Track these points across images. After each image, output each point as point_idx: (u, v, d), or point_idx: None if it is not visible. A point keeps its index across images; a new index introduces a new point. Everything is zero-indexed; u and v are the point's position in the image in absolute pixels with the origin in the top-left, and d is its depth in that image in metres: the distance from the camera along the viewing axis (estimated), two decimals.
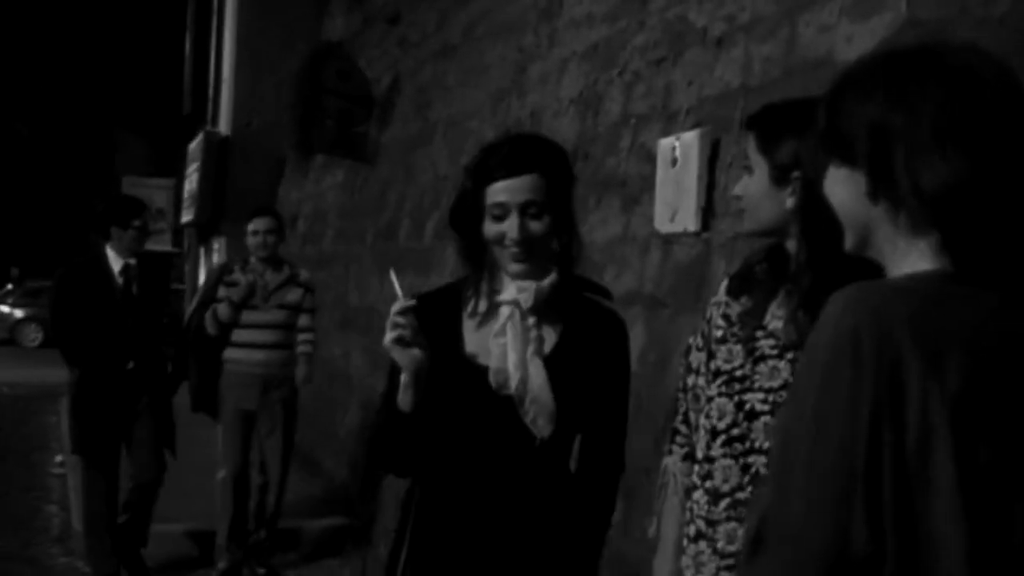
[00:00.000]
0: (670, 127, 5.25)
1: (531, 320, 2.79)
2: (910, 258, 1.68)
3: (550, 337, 2.84)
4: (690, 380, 2.80)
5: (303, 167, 14.79)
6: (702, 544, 2.64)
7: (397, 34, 11.52)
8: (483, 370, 2.78)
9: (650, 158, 5.37)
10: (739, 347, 2.63)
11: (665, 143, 5.05)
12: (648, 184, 5.27)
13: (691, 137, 4.77)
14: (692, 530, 2.68)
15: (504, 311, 2.80)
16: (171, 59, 20.20)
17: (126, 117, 29.59)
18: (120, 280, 6.91)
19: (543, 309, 2.81)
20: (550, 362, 2.78)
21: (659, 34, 5.56)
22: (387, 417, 2.81)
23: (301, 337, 7.49)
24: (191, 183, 17.44)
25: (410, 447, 2.82)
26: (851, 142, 1.69)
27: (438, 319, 2.85)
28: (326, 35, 15.28)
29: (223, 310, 7.20)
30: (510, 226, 2.72)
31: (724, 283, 2.79)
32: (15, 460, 12.22)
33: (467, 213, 2.81)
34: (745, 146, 2.66)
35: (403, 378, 2.69)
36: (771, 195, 2.58)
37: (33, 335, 28.48)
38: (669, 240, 5.07)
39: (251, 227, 7.38)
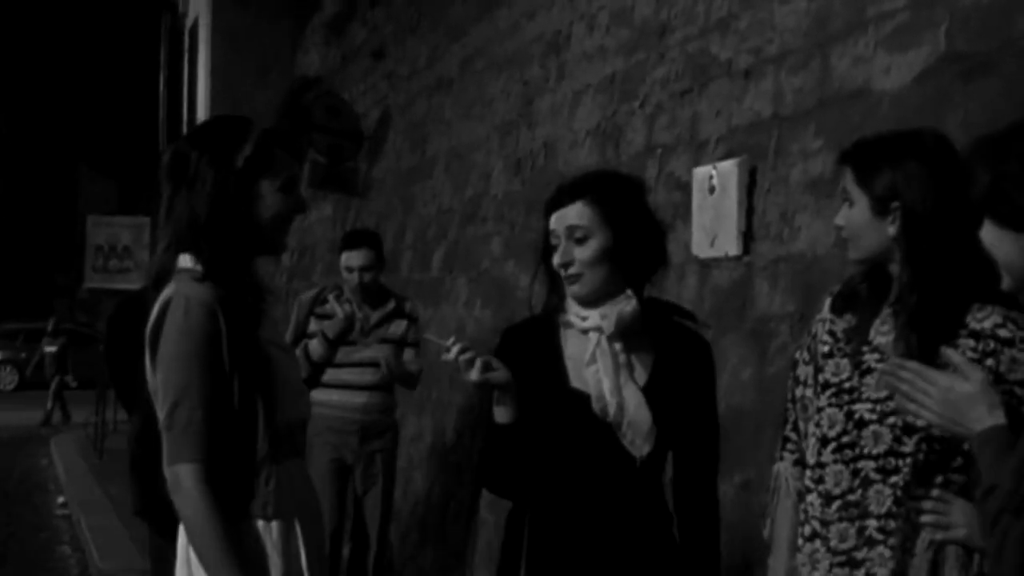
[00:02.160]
0: (700, 156, 5.48)
1: (618, 346, 2.98)
2: None
3: (644, 362, 3.04)
4: (798, 391, 3.00)
5: None
6: (817, 543, 2.84)
7: (383, 69, 11.72)
8: (586, 397, 2.96)
9: (679, 186, 5.60)
10: (846, 361, 2.84)
11: (701, 171, 5.28)
12: (680, 212, 5.49)
13: (728, 166, 5.01)
14: (807, 530, 2.87)
15: (592, 338, 2.99)
16: (144, 98, 20.30)
17: (91, 156, 29.53)
18: None
19: (632, 334, 3.01)
20: (647, 389, 2.98)
21: (681, 66, 5.80)
22: (491, 436, 2.98)
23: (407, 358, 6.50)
24: None
25: (517, 462, 2.99)
26: (1020, 210, 1.91)
27: (535, 349, 3.06)
28: (300, 70, 15.45)
29: (316, 347, 6.33)
30: (558, 252, 2.96)
31: (827, 301, 2.99)
32: (18, 503, 12.27)
33: (545, 245, 3.05)
34: (843, 181, 2.87)
35: (496, 396, 2.88)
36: (873, 225, 2.79)
37: (9, 378, 28.30)
38: (707, 264, 5.30)
39: (344, 261, 6.44)
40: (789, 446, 3.06)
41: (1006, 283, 2.04)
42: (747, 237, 5.02)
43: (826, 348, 2.91)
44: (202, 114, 16.65)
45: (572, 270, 2.95)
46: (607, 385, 2.94)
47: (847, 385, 2.82)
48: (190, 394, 2.84)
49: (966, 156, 2.03)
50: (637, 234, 2.99)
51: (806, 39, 4.83)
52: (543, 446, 2.96)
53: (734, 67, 5.34)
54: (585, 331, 3.00)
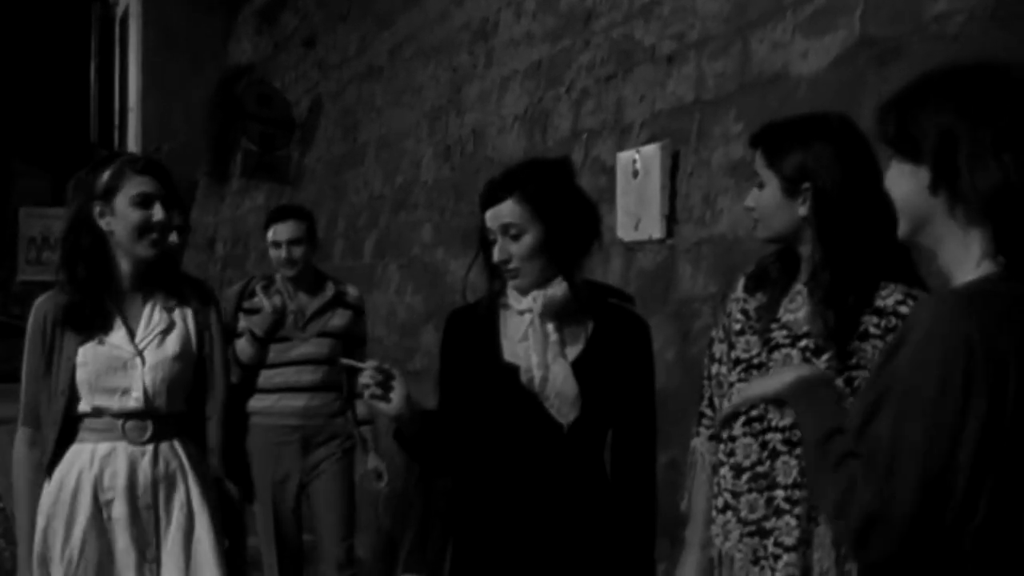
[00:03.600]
0: (624, 141, 5.54)
1: (550, 326, 3.09)
2: (964, 245, 2.01)
3: (576, 340, 3.14)
4: (714, 368, 3.09)
5: (218, 191, 14.87)
6: (728, 514, 2.92)
7: (314, 57, 11.70)
8: (515, 369, 3.08)
9: (604, 170, 5.66)
10: (756, 338, 2.92)
11: (624, 156, 5.34)
12: (605, 196, 5.54)
13: (652, 150, 5.07)
14: (720, 502, 2.95)
15: (525, 319, 3.11)
16: (75, 88, 20.09)
17: (23, 148, 29.14)
18: None
19: (565, 315, 3.12)
20: (578, 363, 3.09)
21: (606, 52, 5.86)
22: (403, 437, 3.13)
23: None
24: None
25: (434, 449, 3.16)
26: (919, 143, 2.02)
27: (475, 329, 3.19)
28: (233, 59, 15.39)
29: (244, 346, 5.46)
30: (495, 248, 3.08)
31: (741, 281, 3.07)
32: None
33: (483, 236, 3.16)
34: (754, 164, 2.93)
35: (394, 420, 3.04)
36: (783, 205, 2.86)
37: None
38: (632, 248, 5.36)
39: (270, 236, 5.62)
40: (705, 421, 3.14)
41: (902, 228, 2.13)
42: (670, 220, 5.08)
43: (738, 326, 2.99)
44: (134, 103, 16.53)
45: (511, 265, 3.06)
46: (535, 359, 3.05)
47: (756, 361, 2.90)
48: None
49: (882, 107, 2.12)
50: (567, 224, 3.09)
51: (727, 24, 4.90)
52: (478, 416, 3.10)
53: (657, 52, 5.40)
54: (520, 312, 3.11)
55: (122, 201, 3.48)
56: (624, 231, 5.35)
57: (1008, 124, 1.95)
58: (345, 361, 3.75)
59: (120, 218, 3.48)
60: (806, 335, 2.82)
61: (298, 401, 5.53)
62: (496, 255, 3.07)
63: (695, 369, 4.65)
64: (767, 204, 2.89)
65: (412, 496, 4.01)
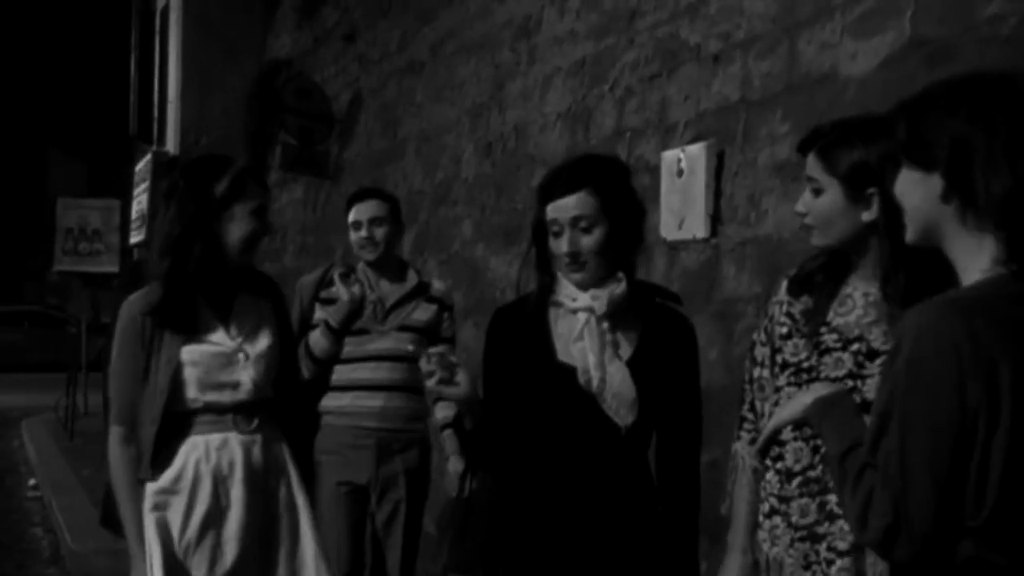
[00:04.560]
0: (668, 140, 5.54)
1: (605, 325, 3.08)
2: (974, 252, 2.04)
3: (629, 341, 3.13)
4: (756, 372, 3.06)
5: None
6: (776, 519, 2.90)
7: (354, 52, 11.72)
8: (572, 370, 3.06)
9: (648, 169, 5.66)
10: (804, 341, 2.90)
11: (669, 155, 5.34)
12: (649, 195, 5.54)
13: (697, 149, 5.07)
14: (766, 507, 2.93)
15: (581, 317, 3.08)
16: (114, 80, 20.21)
17: (61, 138, 29.34)
18: None
19: (618, 315, 3.10)
20: (631, 364, 3.08)
21: (650, 51, 5.85)
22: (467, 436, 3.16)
23: None
24: (139, 204, 17.46)
25: (498, 438, 3.14)
26: (932, 150, 2.04)
27: (525, 327, 3.16)
28: (272, 53, 15.42)
29: (318, 339, 5.01)
30: (563, 241, 3.03)
31: (784, 284, 3.04)
32: None
33: (538, 230, 3.13)
34: (808, 169, 2.89)
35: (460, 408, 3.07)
36: (846, 212, 2.80)
37: None
38: (675, 247, 5.36)
39: (351, 217, 5.14)
40: (746, 425, 3.12)
41: (910, 234, 2.16)
42: (715, 220, 5.08)
43: (784, 329, 2.96)
44: (173, 97, 16.59)
45: (581, 258, 3.04)
46: (592, 360, 3.04)
47: (806, 364, 2.87)
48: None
49: (890, 116, 2.14)
50: (632, 221, 3.10)
51: (774, 24, 4.89)
52: (531, 416, 3.08)
53: (703, 52, 5.39)
54: (575, 311, 3.09)
55: (241, 211, 3.59)
56: (668, 230, 5.35)
57: (1019, 131, 1.97)
58: (411, 346, 3.71)
59: (236, 227, 3.60)
60: (858, 339, 2.80)
61: (375, 401, 5.02)
62: (565, 246, 3.03)
63: (738, 370, 4.63)
64: (826, 211, 2.83)
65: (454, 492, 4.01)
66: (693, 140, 5.27)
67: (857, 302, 2.86)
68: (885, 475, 1.98)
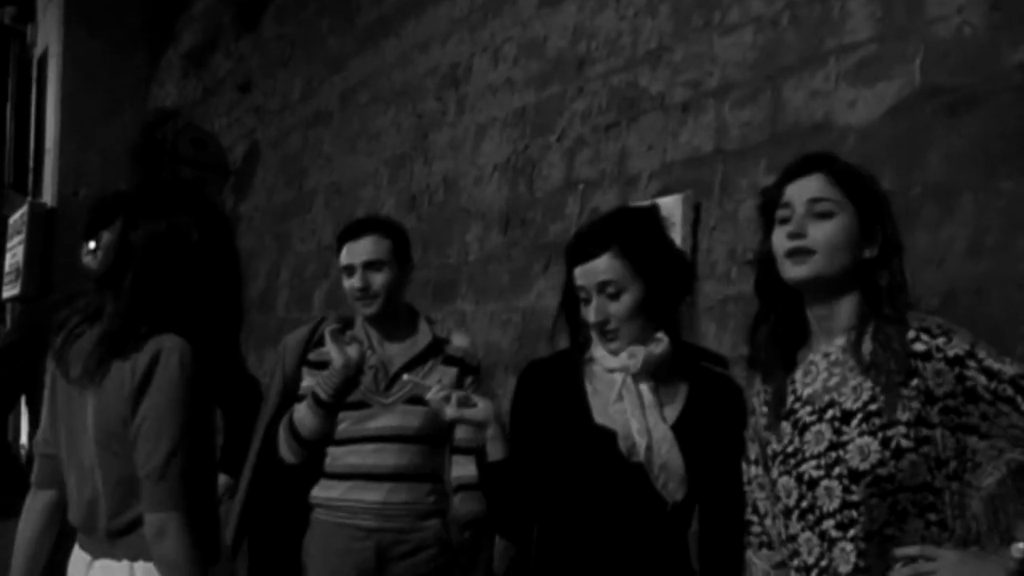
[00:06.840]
0: (629, 192, 5.25)
1: (645, 386, 2.80)
2: None
3: (674, 404, 2.87)
4: (752, 471, 2.81)
5: None
6: None
7: (250, 102, 11.29)
8: (611, 434, 2.78)
9: None
10: (786, 423, 2.66)
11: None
12: None
13: (672, 201, 4.77)
14: None
15: (617, 378, 2.81)
16: None
17: None
18: None
19: (661, 376, 2.84)
20: (677, 429, 2.80)
21: (604, 100, 5.58)
22: (488, 478, 2.84)
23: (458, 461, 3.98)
24: (14, 256, 16.73)
25: (519, 500, 2.84)
26: None
27: (559, 385, 2.88)
28: (155, 102, 14.93)
29: (304, 415, 3.94)
30: (591, 310, 2.80)
31: (758, 376, 2.82)
32: None
33: (567, 295, 2.92)
34: (820, 189, 2.61)
35: (484, 434, 2.80)
36: (855, 243, 2.59)
37: None
38: None
39: (341, 260, 4.21)
40: (753, 529, 2.84)
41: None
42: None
43: (765, 420, 2.73)
44: (51, 146, 15.96)
45: (609, 327, 2.81)
46: (635, 425, 2.77)
47: (790, 448, 2.63)
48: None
49: None
50: (667, 278, 2.85)
51: (753, 71, 4.64)
52: (565, 482, 2.81)
53: (667, 100, 5.13)
54: (611, 371, 2.82)
55: None
56: None
57: None
58: (410, 377, 3.38)
59: None
60: (830, 404, 2.56)
61: (375, 493, 3.96)
62: (593, 316, 2.80)
63: None
64: (838, 236, 2.57)
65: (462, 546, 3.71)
66: (660, 192, 4.99)
67: (820, 366, 2.62)
68: None
